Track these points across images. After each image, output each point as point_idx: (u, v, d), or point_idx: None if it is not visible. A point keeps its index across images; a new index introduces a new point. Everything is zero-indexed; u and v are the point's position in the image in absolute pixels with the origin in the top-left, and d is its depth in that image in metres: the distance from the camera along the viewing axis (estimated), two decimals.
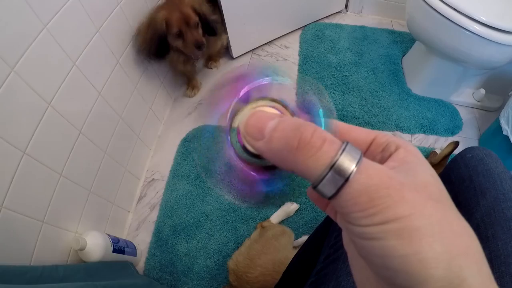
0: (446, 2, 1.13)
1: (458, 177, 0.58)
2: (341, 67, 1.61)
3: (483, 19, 1.10)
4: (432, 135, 1.43)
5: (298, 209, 1.19)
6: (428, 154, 1.32)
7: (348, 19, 1.89)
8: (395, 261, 0.17)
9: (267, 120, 0.20)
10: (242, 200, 0.22)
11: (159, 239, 1.15)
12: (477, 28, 1.11)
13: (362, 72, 1.60)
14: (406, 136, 1.42)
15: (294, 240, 1.08)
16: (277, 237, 1.05)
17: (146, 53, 1.15)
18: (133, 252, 1.05)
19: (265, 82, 0.22)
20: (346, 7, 1.92)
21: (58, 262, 0.79)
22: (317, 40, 1.74)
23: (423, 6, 1.21)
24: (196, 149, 0.23)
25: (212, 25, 1.22)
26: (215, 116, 0.21)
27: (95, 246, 0.87)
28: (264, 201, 0.22)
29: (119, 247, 0.96)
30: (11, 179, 0.67)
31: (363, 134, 0.22)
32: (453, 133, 1.44)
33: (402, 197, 0.17)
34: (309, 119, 0.21)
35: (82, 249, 0.84)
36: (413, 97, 1.52)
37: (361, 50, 1.69)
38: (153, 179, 1.30)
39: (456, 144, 1.28)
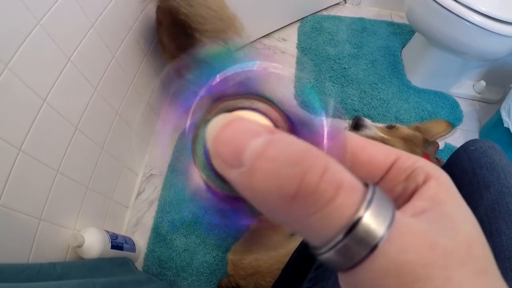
0: None
1: (461, 170, 0.57)
2: (339, 59, 1.59)
3: (483, 9, 1.08)
4: None
5: None
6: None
7: (347, 11, 1.86)
8: None
9: (249, 136, 0.12)
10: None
11: (158, 234, 1.14)
12: (477, 18, 1.09)
13: (361, 65, 1.58)
14: None
15: None
16: (275, 227, 1.04)
17: None
18: (132, 248, 1.05)
19: (255, 68, 0.15)
20: None
21: (56, 259, 0.79)
22: (315, 32, 1.72)
23: None
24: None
25: None
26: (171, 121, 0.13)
27: (93, 242, 0.86)
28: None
29: (117, 243, 0.96)
30: (7, 177, 0.66)
31: (382, 152, 0.16)
32: (453, 125, 1.43)
33: (447, 279, 0.12)
34: (312, 137, 0.14)
35: (80, 246, 0.83)
36: (413, 89, 1.51)
37: (360, 42, 1.67)
38: (152, 174, 1.29)
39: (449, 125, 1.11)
